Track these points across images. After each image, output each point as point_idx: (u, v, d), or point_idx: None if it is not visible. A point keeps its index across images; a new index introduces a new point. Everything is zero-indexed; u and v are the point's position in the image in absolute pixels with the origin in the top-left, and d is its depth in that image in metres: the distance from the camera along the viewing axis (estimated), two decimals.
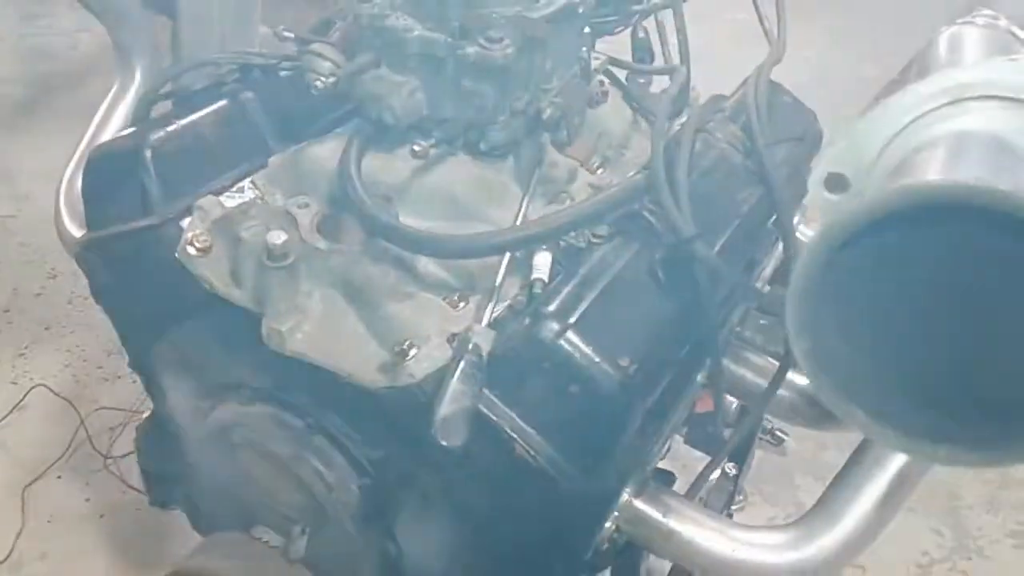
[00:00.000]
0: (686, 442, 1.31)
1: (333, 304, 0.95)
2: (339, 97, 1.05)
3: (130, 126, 1.26)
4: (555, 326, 0.84)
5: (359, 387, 0.91)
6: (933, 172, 0.45)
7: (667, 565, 1.08)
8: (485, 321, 0.90)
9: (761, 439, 1.65)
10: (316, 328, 0.94)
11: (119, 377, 2.19)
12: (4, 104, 3.27)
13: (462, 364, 0.83)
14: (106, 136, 1.28)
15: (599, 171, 1.15)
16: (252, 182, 1.08)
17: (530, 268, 0.95)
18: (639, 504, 0.92)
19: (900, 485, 0.87)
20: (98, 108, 2.82)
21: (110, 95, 1.30)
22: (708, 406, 1.24)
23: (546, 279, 0.93)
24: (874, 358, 0.47)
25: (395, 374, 0.89)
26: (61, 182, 1.28)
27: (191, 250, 1.00)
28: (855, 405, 0.47)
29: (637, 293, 0.91)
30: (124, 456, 1.98)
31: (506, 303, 0.94)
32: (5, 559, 1.76)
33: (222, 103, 1.13)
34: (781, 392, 1.05)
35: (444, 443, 0.80)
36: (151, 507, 1.83)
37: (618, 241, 0.95)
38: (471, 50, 0.97)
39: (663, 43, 1.34)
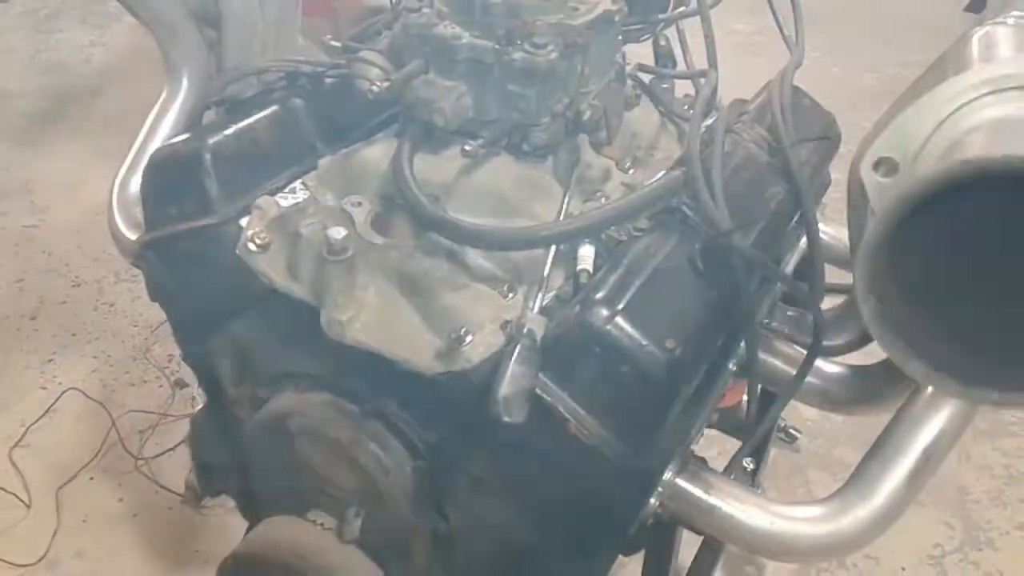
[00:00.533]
0: (712, 426, 1.35)
1: (389, 296, 1.01)
2: (390, 101, 1.11)
3: (183, 131, 1.32)
4: (604, 312, 0.90)
5: (416, 373, 0.97)
6: (984, 149, 0.51)
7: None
8: (535, 309, 0.95)
9: (775, 437, 1.70)
10: (373, 318, 1.00)
11: (145, 382, 2.24)
12: (21, 117, 3.33)
13: (519, 348, 0.89)
14: (156, 142, 1.34)
15: (631, 171, 1.20)
16: (303, 183, 1.14)
17: (574, 260, 1.01)
18: (681, 482, 0.97)
19: (926, 461, 0.92)
20: (111, 121, 2.89)
21: (159, 102, 1.36)
22: (730, 401, 1.30)
23: (591, 270, 0.99)
24: (931, 315, 0.52)
25: (451, 360, 0.94)
26: (113, 187, 1.33)
27: (251, 247, 1.06)
28: (916, 357, 0.52)
29: (678, 282, 0.97)
30: (155, 457, 2.03)
31: (553, 293, 0.99)
32: (42, 558, 1.81)
33: (273, 108, 1.19)
34: (809, 379, 1.11)
35: (507, 419, 0.85)
36: (182, 506, 1.89)
37: (658, 234, 1.00)
38: (517, 55, 1.03)
39: (684, 50, 1.41)
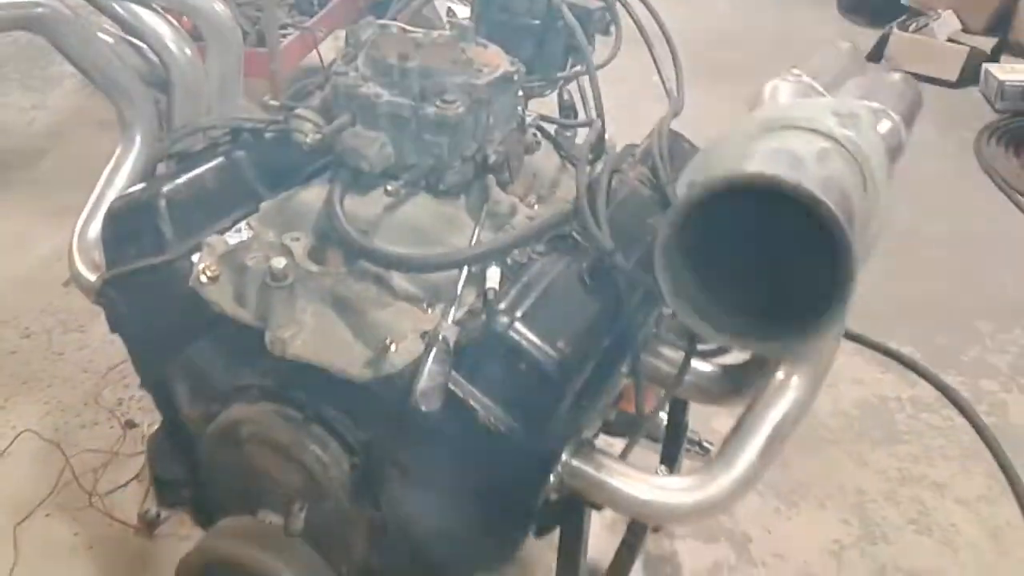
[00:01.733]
0: (606, 432, 1.51)
1: (325, 316, 1.18)
2: (323, 151, 1.29)
3: (138, 182, 1.49)
4: (505, 319, 1.09)
5: (349, 380, 1.14)
6: (736, 168, 0.71)
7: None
8: (450, 321, 1.13)
9: (689, 450, 1.90)
10: (311, 336, 1.17)
11: (96, 424, 2.35)
12: None
13: (434, 350, 1.06)
14: (113, 192, 1.49)
15: (535, 207, 1.40)
16: (248, 223, 1.31)
17: (483, 280, 1.19)
18: (577, 462, 1.15)
19: (775, 437, 1.11)
20: (56, 180, 3.05)
21: (114, 157, 1.52)
22: (630, 408, 1.48)
23: (497, 287, 1.17)
24: (713, 288, 0.71)
25: (379, 367, 1.11)
26: (73, 234, 1.48)
27: (203, 279, 1.22)
28: (704, 322, 0.71)
29: (569, 294, 1.16)
30: (108, 493, 2.13)
31: (465, 308, 1.17)
32: None
33: (219, 160, 1.36)
34: (688, 378, 1.30)
35: (424, 408, 1.02)
36: (136, 536, 2.01)
37: (553, 256, 1.20)
38: (430, 110, 1.22)
39: (584, 102, 1.62)
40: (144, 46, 1.52)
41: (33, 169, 3.54)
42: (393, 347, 1.12)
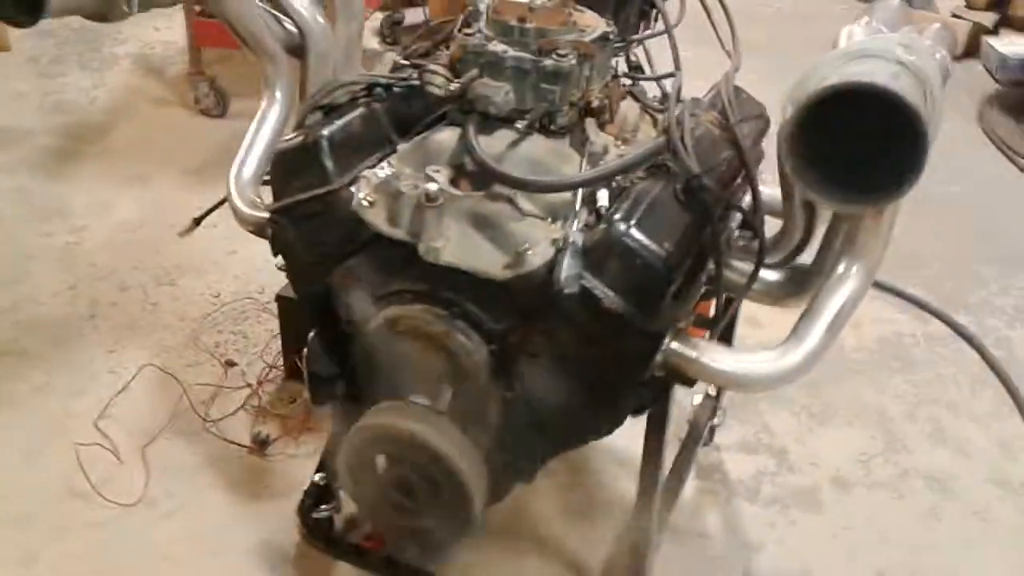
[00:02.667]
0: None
1: (468, 230, 1.45)
2: (454, 100, 1.56)
3: (280, 132, 1.76)
4: (623, 226, 1.36)
5: (491, 280, 1.41)
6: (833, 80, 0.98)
7: None
8: (574, 230, 1.41)
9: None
10: (458, 246, 1.44)
11: (199, 363, 2.61)
12: (43, 153, 3.68)
13: (569, 248, 1.34)
14: (260, 141, 1.77)
15: (621, 146, 1.67)
16: (388, 162, 1.58)
17: (594, 201, 1.46)
18: (677, 345, 1.43)
19: (838, 316, 1.39)
20: (122, 152, 3.41)
21: (259, 111, 1.79)
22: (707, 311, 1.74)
23: (608, 205, 1.45)
24: (820, 169, 0.98)
25: (519, 267, 1.39)
26: (229, 177, 1.75)
27: (365, 203, 1.50)
28: (820, 188, 0.98)
29: (667, 209, 1.43)
30: (220, 420, 2.40)
31: (583, 222, 1.44)
32: (141, 498, 2.17)
33: (360, 110, 1.63)
34: (756, 285, 1.58)
35: (567, 291, 1.30)
36: (250, 455, 2.28)
37: (651, 180, 1.47)
38: (548, 62, 1.49)
39: (649, 63, 1.89)
40: (283, 16, 1.78)
41: (101, 143, 3.80)
42: (529, 251, 1.39)
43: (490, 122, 1.56)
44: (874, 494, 2.31)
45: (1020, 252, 3.37)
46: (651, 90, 1.87)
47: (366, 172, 1.53)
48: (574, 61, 1.49)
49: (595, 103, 1.56)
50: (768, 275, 1.60)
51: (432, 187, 1.42)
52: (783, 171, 1.36)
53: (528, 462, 1.59)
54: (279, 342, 2.57)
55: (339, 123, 1.58)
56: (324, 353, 1.67)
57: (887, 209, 1.30)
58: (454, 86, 1.52)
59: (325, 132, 1.55)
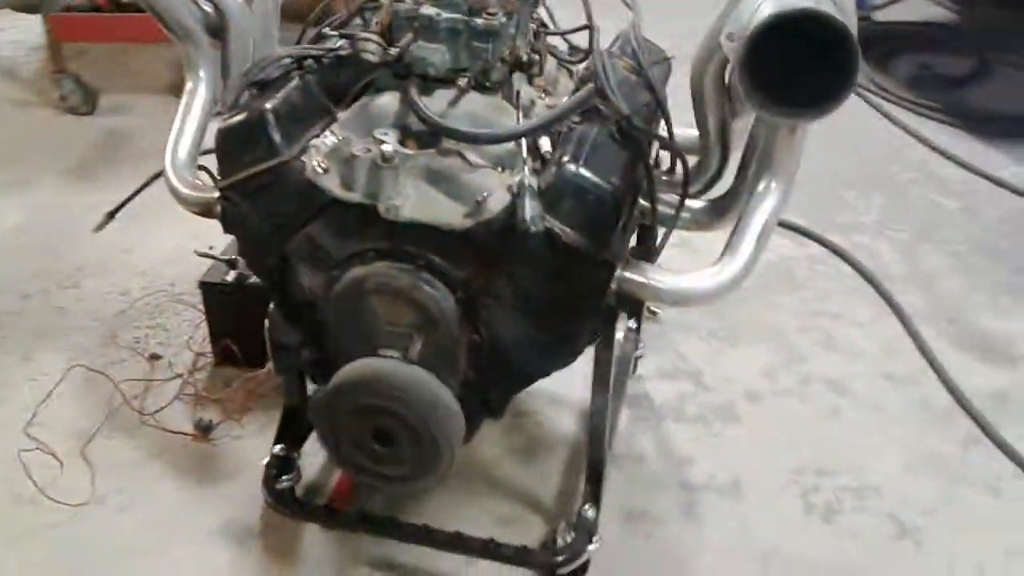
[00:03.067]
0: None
1: (424, 186, 1.54)
2: (389, 65, 1.63)
3: (209, 112, 1.79)
4: (572, 166, 1.48)
5: (452, 231, 1.50)
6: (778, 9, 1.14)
7: None
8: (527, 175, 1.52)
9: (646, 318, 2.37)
10: (417, 202, 1.52)
11: (123, 361, 2.58)
12: None
13: (527, 191, 1.45)
14: (190, 124, 1.78)
15: (546, 98, 1.79)
16: (331, 130, 1.64)
17: (538, 148, 1.58)
18: (628, 273, 1.56)
19: (764, 230, 1.56)
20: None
21: (185, 94, 1.80)
22: None
23: (550, 151, 1.56)
24: (766, 87, 1.14)
25: (479, 215, 1.49)
26: (165, 164, 1.76)
27: (319, 170, 1.55)
28: (770, 105, 1.14)
29: (606, 148, 1.56)
30: (156, 412, 2.39)
31: (530, 168, 1.55)
32: (89, 499, 2.15)
33: (295, 82, 1.68)
34: (684, 214, 1.74)
35: (532, 229, 1.41)
36: (194, 443, 2.29)
37: (587, 124, 1.60)
38: (479, 21, 1.59)
39: (552, 19, 2.02)
40: None
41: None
42: (488, 200, 1.49)
43: (427, 83, 1.64)
44: (782, 401, 2.54)
45: (871, 174, 3.72)
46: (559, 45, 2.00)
47: (314, 141, 1.59)
48: (504, 19, 1.59)
49: (524, 58, 1.67)
50: (693, 204, 1.76)
51: (387, 148, 1.50)
52: (698, 103, 1.53)
53: (497, 399, 1.70)
54: (203, 330, 2.57)
55: (279, 96, 1.63)
56: (284, 323, 1.72)
57: (799, 128, 1.48)
58: (394, 51, 1.59)
59: (268, 106, 1.60)
